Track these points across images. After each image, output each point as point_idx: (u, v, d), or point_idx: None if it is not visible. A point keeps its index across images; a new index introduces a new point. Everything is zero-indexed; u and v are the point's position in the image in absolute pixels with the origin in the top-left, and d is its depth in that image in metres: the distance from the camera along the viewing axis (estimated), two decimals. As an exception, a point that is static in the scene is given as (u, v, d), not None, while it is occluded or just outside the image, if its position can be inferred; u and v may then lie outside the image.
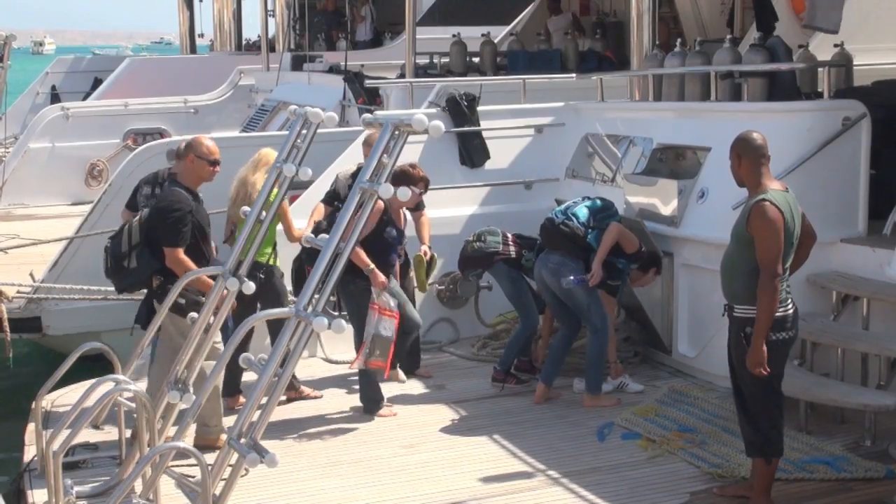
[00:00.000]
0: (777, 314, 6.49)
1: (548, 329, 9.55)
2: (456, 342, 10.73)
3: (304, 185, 9.66)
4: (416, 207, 9.63)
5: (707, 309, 8.99)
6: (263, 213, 7.08)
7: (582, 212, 9.02)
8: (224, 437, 7.59)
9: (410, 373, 9.62)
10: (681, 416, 8.47)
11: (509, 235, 9.53)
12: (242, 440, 5.61)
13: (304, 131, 7.00)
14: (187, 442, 6.63)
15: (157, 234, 7.69)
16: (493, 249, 9.38)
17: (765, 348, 6.43)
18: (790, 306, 6.59)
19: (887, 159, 9.09)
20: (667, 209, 9.63)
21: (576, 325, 9.07)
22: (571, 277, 8.77)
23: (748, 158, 6.62)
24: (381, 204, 8.43)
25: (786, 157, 8.56)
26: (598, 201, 9.19)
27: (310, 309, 5.85)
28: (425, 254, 9.54)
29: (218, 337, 7.54)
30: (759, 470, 6.78)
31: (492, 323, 10.75)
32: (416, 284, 9.72)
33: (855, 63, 10.89)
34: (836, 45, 10.54)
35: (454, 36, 17.18)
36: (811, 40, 11.34)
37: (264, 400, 5.73)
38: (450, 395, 9.23)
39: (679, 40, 11.45)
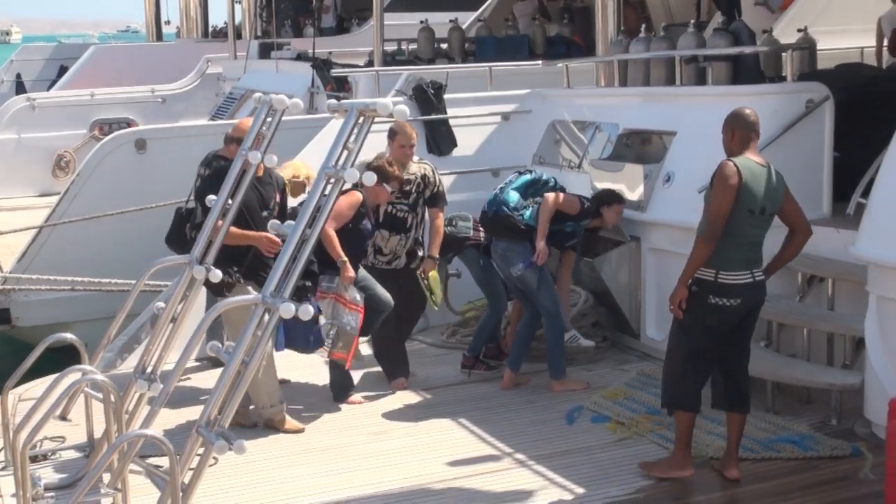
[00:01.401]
0: (723, 280, 6.67)
1: (516, 316, 9.56)
2: (425, 330, 10.73)
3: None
4: (434, 203, 9.17)
5: (674, 292, 9.04)
6: (230, 202, 7.08)
7: (510, 196, 8.94)
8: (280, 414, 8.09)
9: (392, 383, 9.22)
10: (649, 399, 8.50)
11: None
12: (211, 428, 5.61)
13: (269, 119, 7.02)
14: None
15: None
16: (464, 234, 9.38)
17: (683, 291, 6.73)
18: (744, 277, 6.70)
19: (850, 141, 9.14)
20: (633, 194, 9.68)
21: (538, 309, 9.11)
22: (520, 264, 8.77)
23: (741, 131, 6.78)
24: (358, 196, 8.43)
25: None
26: (527, 175, 9.12)
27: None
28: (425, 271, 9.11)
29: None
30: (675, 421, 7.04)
31: (461, 311, 10.76)
32: (431, 299, 9.18)
33: (818, 47, 10.96)
34: (799, 30, 10.60)
35: (422, 22, 17.18)
36: (775, 24, 11.43)
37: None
38: (419, 382, 9.23)
39: (644, 25, 11.50)
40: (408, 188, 8.99)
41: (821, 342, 8.35)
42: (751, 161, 6.69)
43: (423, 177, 9.08)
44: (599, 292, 9.98)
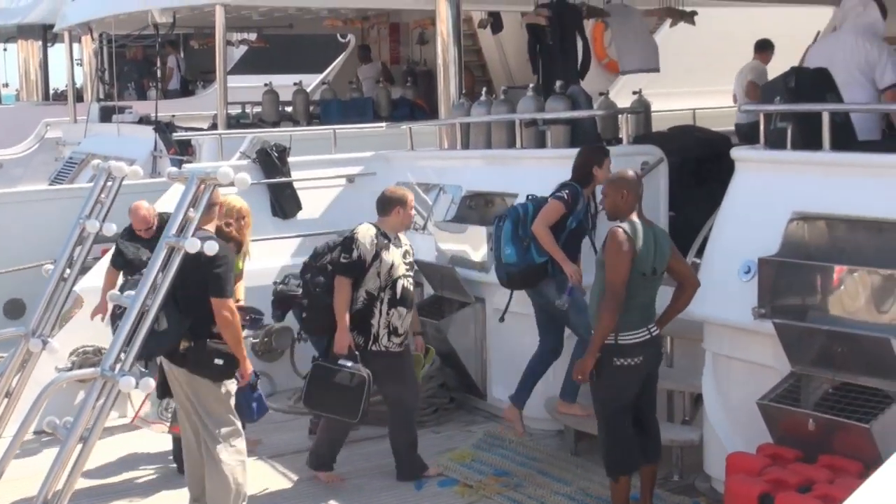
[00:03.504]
0: (623, 341, 6.86)
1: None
2: (272, 396, 10.61)
3: (113, 239, 9.49)
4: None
5: (519, 352, 9.13)
6: (68, 271, 6.95)
7: (508, 255, 8.59)
8: None
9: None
10: (496, 461, 8.56)
11: (321, 279, 9.48)
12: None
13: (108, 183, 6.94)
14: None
15: (201, 286, 6.79)
16: (292, 293, 9.25)
17: (591, 361, 6.86)
18: (642, 335, 6.92)
19: (684, 202, 9.41)
20: (477, 255, 9.78)
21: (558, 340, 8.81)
22: (564, 296, 8.49)
23: (632, 194, 6.99)
24: None
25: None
26: (507, 223, 8.66)
27: (117, 368, 5.77)
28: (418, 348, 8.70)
29: None
30: (611, 490, 7.15)
31: (306, 374, 10.66)
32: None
33: (652, 109, 11.29)
34: (634, 93, 10.89)
35: (266, 85, 17.16)
36: (611, 87, 11.73)
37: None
38: (266, 449, 9.09)
39: (484, 89, 11.70)
40: (410, 260, 8.35)
41: (661, 399, 8.50)
42: (637, 224, 6.91)
43: (410, 245, 8.55)
44: (445, 353, 10.03)
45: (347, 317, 7.98)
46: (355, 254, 8.05)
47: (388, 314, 8.10)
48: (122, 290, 7.06)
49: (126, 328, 5.91)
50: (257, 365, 10.42)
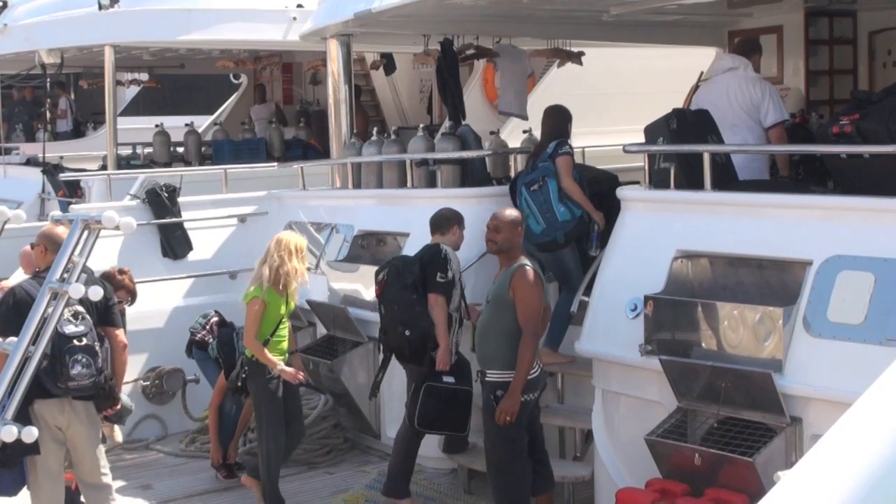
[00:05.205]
0: (531, 376, 7.04)
1: (244, 422, 9.42)
2: (163, 439, 10.49)
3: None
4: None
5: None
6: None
7: (563, 211, 8.54)
8: None
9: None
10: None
11: (215, 319, 9.46)
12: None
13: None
14: None
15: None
16: (192, 330, 9.32)
17: (519, 400, 6.95)
18: (537, 370, 7.15)
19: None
20: (369, 294, 9.77)
21: None
22: (594, 244, 8.57)
23: (522, 229, 7.34)
24: None
25: (479, 241, 8.83)
26: (552, 182, 8.58)
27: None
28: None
29: None
30: None
31: (200, 417, 10.56)
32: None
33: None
34: (524, 132, 11.04)
35: (157, 126, 17.02)
36: (502, 128, 11.84)
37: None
38: (156, 494, 8.97)
39: (376, 129, 11.75)
40: None
41: (553, 435, 8.60)
42: (533, 262, 7.31)
43: None
44: (339, 393, 10.00)
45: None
46: (450, 273, 7.98)
47: (458, 333, 8.11)
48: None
49: (8, 375, 5.80)
50: (147, 408, 10.38)
